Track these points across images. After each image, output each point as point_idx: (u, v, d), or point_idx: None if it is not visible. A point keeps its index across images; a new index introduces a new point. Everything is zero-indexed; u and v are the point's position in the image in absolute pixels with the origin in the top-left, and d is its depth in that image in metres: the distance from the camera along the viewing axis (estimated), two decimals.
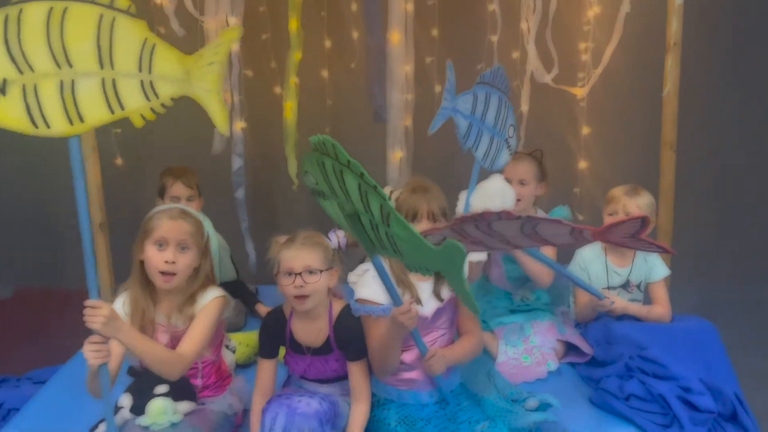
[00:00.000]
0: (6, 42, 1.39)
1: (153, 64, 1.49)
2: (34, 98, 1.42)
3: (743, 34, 3.24)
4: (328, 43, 2.95)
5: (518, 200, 2.31)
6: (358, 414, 1.78)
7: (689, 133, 3.02)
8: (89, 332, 1.54)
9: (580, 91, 3.00)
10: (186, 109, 1.72)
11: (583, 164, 3.14)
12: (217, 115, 1.53)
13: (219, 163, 2.98)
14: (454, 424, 1.81)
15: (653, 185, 2.62)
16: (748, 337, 2.89)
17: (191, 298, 1.77)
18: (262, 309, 2.64)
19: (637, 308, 2.26)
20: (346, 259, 1.91)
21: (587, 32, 2.91)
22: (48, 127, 1.44)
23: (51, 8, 1.40)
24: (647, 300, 2.35)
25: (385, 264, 1.80)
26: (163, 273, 1.73)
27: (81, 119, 1.46)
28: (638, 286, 2.33)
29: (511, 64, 2.92)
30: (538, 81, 2.92)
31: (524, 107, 2.98)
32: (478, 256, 2.20)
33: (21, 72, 1.40)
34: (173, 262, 1.72)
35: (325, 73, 2.99)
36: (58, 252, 3.56)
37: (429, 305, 1.85)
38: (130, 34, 1.46)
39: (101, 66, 1.45)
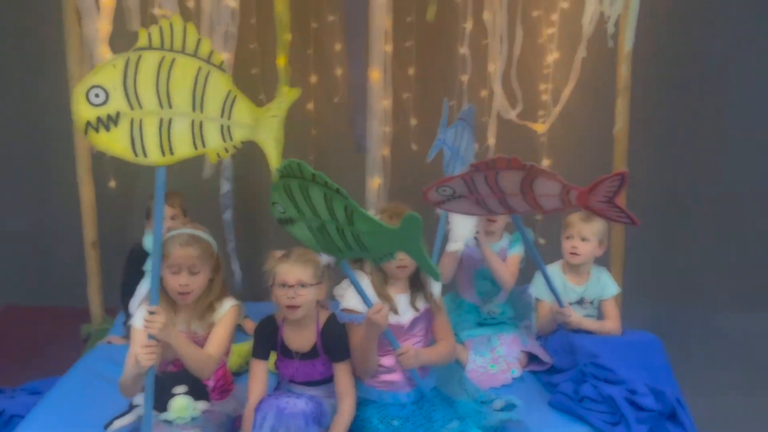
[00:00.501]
0: (124, 81, 1.65)
1: (232, 112, 1.77)
2: (138, 131, 1.68)
3: (688, 75, 3.60)
4: (314, 79, 3.20)
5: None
6: (345, 409, 1.98)
7: (638, 165, 3.36)
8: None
9: (540, 127, 3.31)
10: None
11: None
12: (273, 158, 1.82)
13: (208, 186, 3.18)
14: (429, 422, 2.03)
15: None
16: (692, 351, 3.18)
17: (210, 308, 1.97)
18: (249, 325, 2.82)
19: (590, 323, 2.51)
20: (333, 275, 2.12)
21: (547, 75, 3.23)
22: (145, 156, 1.69)
23: (163, 57, 1.67)
24: (600, 315, 2.61)
25: (366, 279, 2.05)
26: (179, 292, 1.93)
27: (171, 152, 1.72)
28: (592, 303, 2.59)
29: (479, 101, 3.21)
30: (504, 117, 3.22)
31: (491, 140, 3.26)
32: (454, 246, 2.48)
33: (132, 108, 1.66)
34: (186, 284, 1.92)
35: (310, 106, 3.24)
36: (50, 270, 3.67)
37: (406, 315, 2.08)
38: (218, 86, 1.74)
39: (193, 109, 1.73)
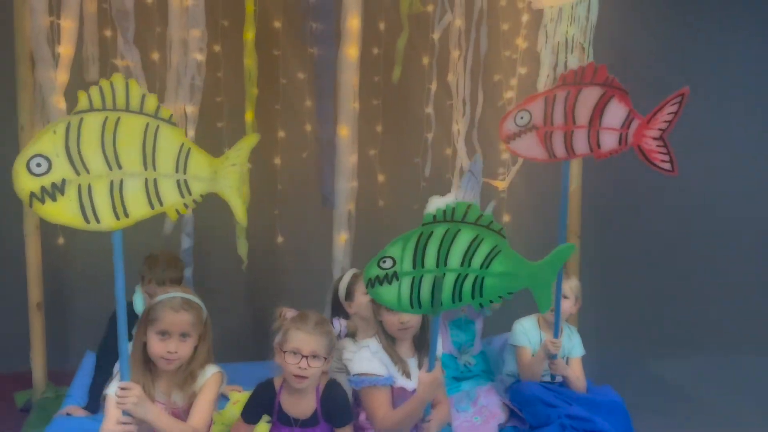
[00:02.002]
0: (67, 147, 1.56)
1: (188, 166, 1.70)
2: (88, 197, 1.59)
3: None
4: (281, 134, 3.19)
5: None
6: None
7: (591, 222, 3.52)
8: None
9: (501, 184, 3.42)
10: None
11: None
12: (238, 208, 1.75)
13: (168, 243, 3.05)
14: None
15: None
16: (644, 397, 3.29)
17: (191, 376, 1.85)
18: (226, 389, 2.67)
19: (571, 372, 2.55)
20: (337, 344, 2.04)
21: None
22: (98, 222, 1.60)
23: (106, 117, 1.59)
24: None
25: (374, 342, 1.99)
26: (165, 359, 1.81)
27: (126, 215, 1.63)
28: (562, 358, 2.64)
29: (444, 159, 3.30)
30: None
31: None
32: None
33: (78, 173, 1.57)
34: (175, 351, 1.81)
35: (277, 161, 3.21)
36: None
37: (416, 378, 2.00)
38: (170, 140, 1.67)
39: (145, 168, 1.65)
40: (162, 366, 1.83)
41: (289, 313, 1.94)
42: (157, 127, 1.64)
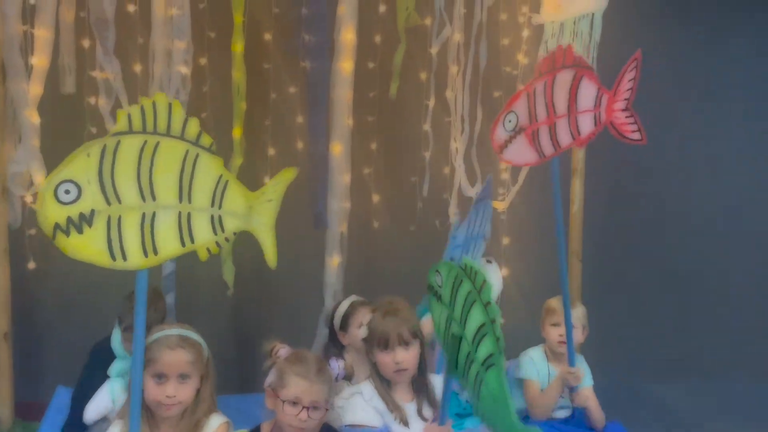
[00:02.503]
0: (100, 173, 1.39)
1: (224, 200, 1.52)
2: (116, 230, 1.41)
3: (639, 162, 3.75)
4: (271, 151, 3.03)
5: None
6: None
7: (593, 243, 3.40)
8: None
9: (500, 205, 3.29)
10: None
11: (504, 271, 3.36)
12: (270, 249, 1.62)
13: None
14: None
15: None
16: (647, 428, 3.16)
17: (196, 427, 1.65)
18: None
19: (592, 402, 2.41)
20: None
21: None
22: (125, 259, 1.42)
23: (145, 141, 1.43)
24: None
25: (368, 386, 1.83)
26: (164, 404, 1.62)
27: (156, 252, 1.45)
28: (570, 389, 2.49)
29: (442, 178, 3.15)
30: (464, 194, 3.17)
31: (453, 218, 3.19)
32: None
33: (109, 203, 1.40)
34: (174, 395, 1.61)
35: (267, 179, 3.04)
36: None
37: (415, 425, 1.86)
38: (209, 170, 1.51)
39: (180, 200, 1.48)
40: (161, 413, 1.63)
41: (283, 350, 1.76)
42: (197, 155, 1.49)
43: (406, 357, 1.84)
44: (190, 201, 1.48)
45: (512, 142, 2.23)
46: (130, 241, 1.42)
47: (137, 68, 2.79)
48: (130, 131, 1.42)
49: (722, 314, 3.83)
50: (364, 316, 2.26)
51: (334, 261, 2.93)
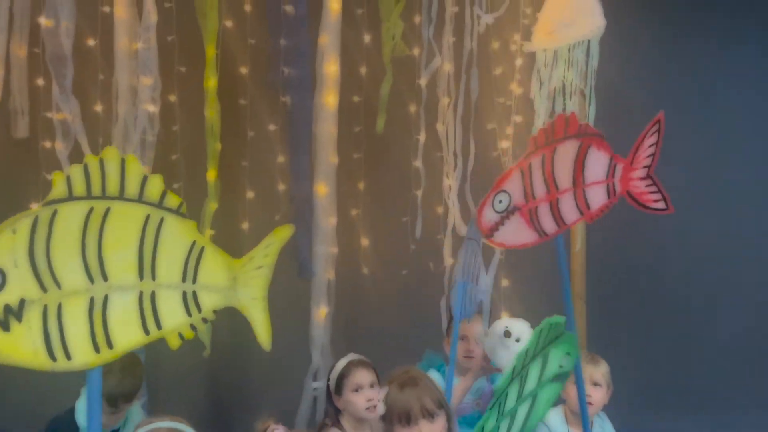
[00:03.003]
0: (31, 252, 1.10)
1: (199, 272, 1.23)
2: (56, 322, 1.12)
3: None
4: (250, 194, 2.78)
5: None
6: None
7: (597, 284, 3.20)
8: None
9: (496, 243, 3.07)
10: None
11: (504, 315, 3.13)
12: (262, 328, 1.32)
13: None
14: None
15: None
16: None
17: None
18: None
19: None
20: None
21: None
22: (68, 358, 1.14)
23: (91, 208, 1.15)
24: None
25: None
26: None
27: (109, 345, 1.17)
28: None
29: (435, 218, 2.93)
30: (460, 235, 2.95)
31: (448, 260, 2.96)
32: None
33: (45, 290, 1.11)
34: None
35: (245, 225, 2.78)
36: None
37: None
38: (177, 237, 1.24)
39: (141, 277, 1.20)
40: None
41: (272, 429, 1.50)
42: (162, 219, 1.22)
43: (433, 430, 1.60)
44: (153, 277, 1.21)
45: (504, 223, 2.00)
46: (75, 334, 1.13)
47: (98, 108, 2.54)
48: (71, 197, 1.14)
49: (732, 350, 3.67)
50: (361, 377, 2.02)
51: (321, 312, 2.67)
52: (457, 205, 2.88)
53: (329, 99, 2.65)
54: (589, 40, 2.79)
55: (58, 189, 1.15)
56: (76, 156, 2.44)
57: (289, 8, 2.56)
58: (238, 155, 2.76)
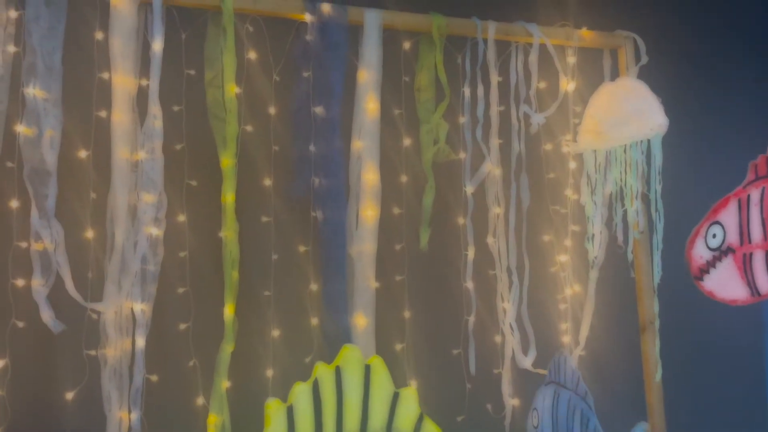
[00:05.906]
0: None
1: None
2: None
3: None
4: (275, 333, 2.24)
5: None
6: None
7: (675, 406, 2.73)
8: None
9: None
10: None
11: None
12: None
13: None
14: None
15: None
16: None
17: None
18: None
19: None
20: None
21: (565, 310, 2.61)
22: None
23: None
24: None
25: None
26: None
27: None
28: None
29: (492, 348, 2.45)
30: (519, 367, 2.47)
31: (510, 401, 2.46)
32: None
33: None
34: None
35: (270, 373, 2.21)
36: None
37: None
38: None
39: None
40: None
41: None
42: None
43: None
44: None
45: (716, 265, 1.66)
46: None
47: (88, 234, 2.03)
48: None
49: None
50: None
51: None
52: (517, 332, 2.43)
53: (367, 212, 2.24)
54: (649, 140, 2.52)
55: None
56: (56, 296, 1.90)
57: (319, 109, 2.19)
58: (260, 285, 2.25)
